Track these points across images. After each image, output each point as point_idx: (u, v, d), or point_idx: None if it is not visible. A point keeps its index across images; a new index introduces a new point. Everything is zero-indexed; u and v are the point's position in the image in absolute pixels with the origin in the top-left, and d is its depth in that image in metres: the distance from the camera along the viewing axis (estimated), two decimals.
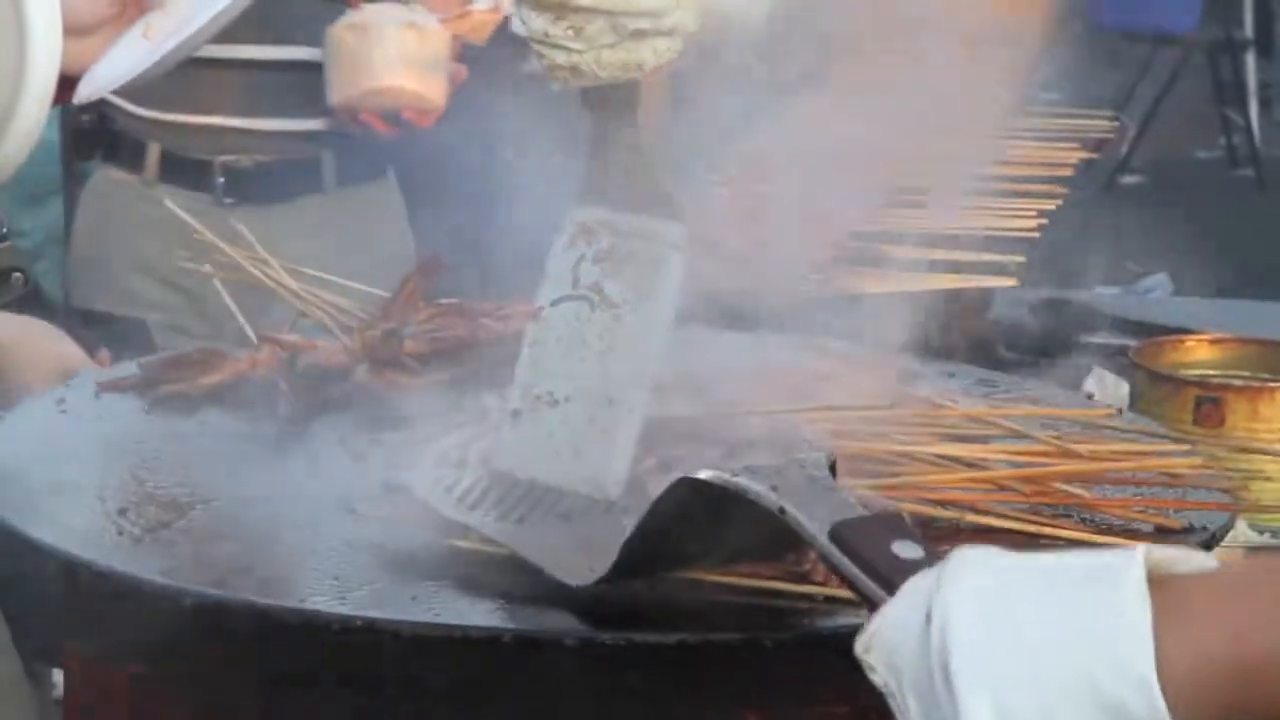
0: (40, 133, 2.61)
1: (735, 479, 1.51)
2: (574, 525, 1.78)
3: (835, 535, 1.44)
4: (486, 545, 1.75)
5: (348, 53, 3.27)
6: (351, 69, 3.29)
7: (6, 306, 2.67)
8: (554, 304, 1.88)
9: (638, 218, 1.86)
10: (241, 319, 2.35)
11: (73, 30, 2.70)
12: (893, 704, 1.34)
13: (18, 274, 2.66)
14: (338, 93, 3.33)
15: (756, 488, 1.49)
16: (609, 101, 1.85)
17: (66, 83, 2.69)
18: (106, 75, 3.11)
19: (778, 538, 1.51)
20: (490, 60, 3.42)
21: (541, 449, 1.85)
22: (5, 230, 2.61)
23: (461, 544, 1.76)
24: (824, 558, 1.45)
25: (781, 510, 1.47)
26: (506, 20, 3.45)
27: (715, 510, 1.56)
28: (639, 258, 1.86)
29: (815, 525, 1.45)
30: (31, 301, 2.72)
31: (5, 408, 2.23)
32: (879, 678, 1.35)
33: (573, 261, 1.88)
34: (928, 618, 1.30)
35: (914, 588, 1.34)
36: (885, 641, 1.34)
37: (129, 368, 2.25)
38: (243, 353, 2.24)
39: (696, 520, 1.59)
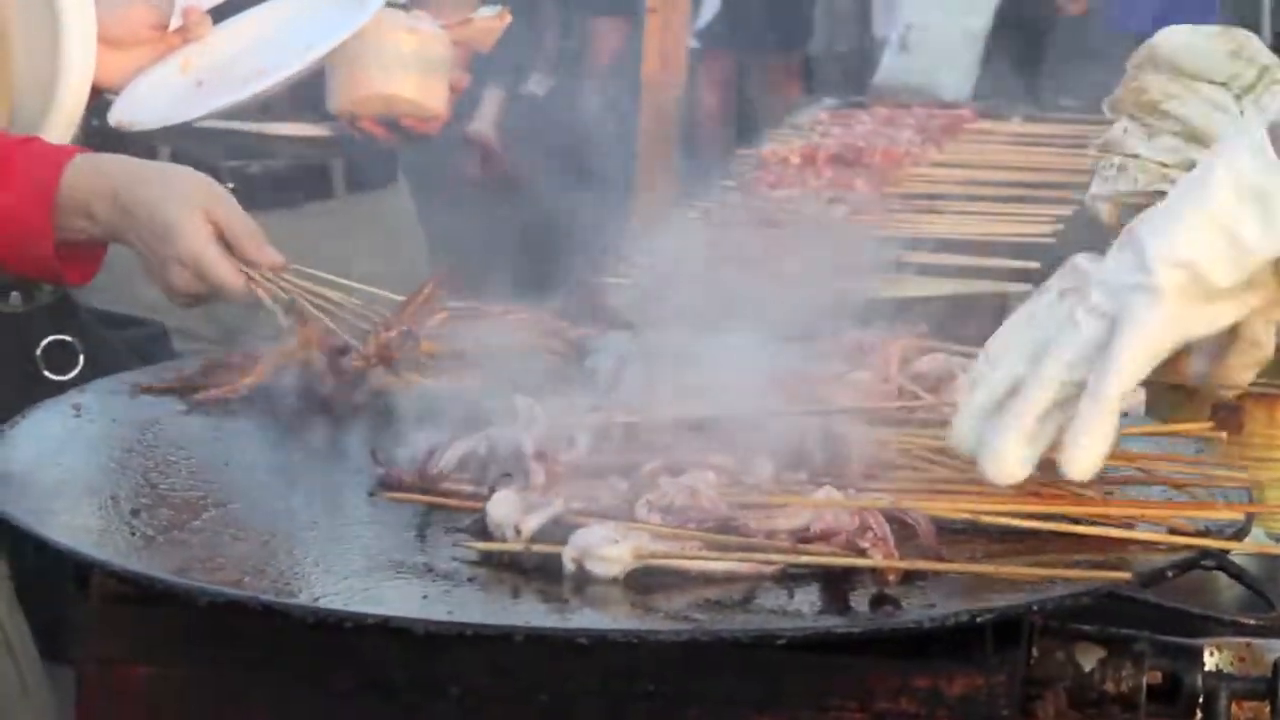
0: (72, 134, 2.64)
1: None
2: None
3: None
4: (499, 545, 1.75)
5: (347, 59, 3.26)
6: (350, 75, 3.28)
7: (40, 311, 2.68)
8: None
9: None
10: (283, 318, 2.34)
11: (105, 41, 2.73)
12: None
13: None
14: (337, 99, 3.32)
15: None
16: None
17: (95, 90, 2.72)
18: (146, 106, 3.13)
19: None
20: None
21: None
22: None
23: (475, 545, 1.76)
24: None
25: None
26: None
27: None
28: None
29: None
30: (63, 307, 2.73)
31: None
32: None
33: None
34: None
35: None
36: None
37: (165, 371, 2.27)
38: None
39: None
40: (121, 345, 2.69)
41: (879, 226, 3.34)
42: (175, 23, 3.19)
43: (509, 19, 3.49)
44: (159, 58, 3.18)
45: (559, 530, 1.74)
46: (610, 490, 1.82)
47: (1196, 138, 1.99)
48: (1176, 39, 2.03)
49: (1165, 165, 2.00)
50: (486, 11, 3.50)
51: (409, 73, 3.29)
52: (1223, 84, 2.01)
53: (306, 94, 3.34)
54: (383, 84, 3.27)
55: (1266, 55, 2.03)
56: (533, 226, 2.84)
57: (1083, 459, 1.71)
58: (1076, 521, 1.83)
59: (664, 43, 5.57)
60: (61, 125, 2.59)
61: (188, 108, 3.16)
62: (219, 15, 3.27)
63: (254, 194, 3.38)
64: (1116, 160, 2.04)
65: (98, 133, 3.41)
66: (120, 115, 3.19)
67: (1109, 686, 1.77)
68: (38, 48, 2.57)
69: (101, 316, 2.81)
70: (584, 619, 1.67)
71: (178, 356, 2.76)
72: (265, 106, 3.32)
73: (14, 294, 2.65)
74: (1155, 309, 1.69)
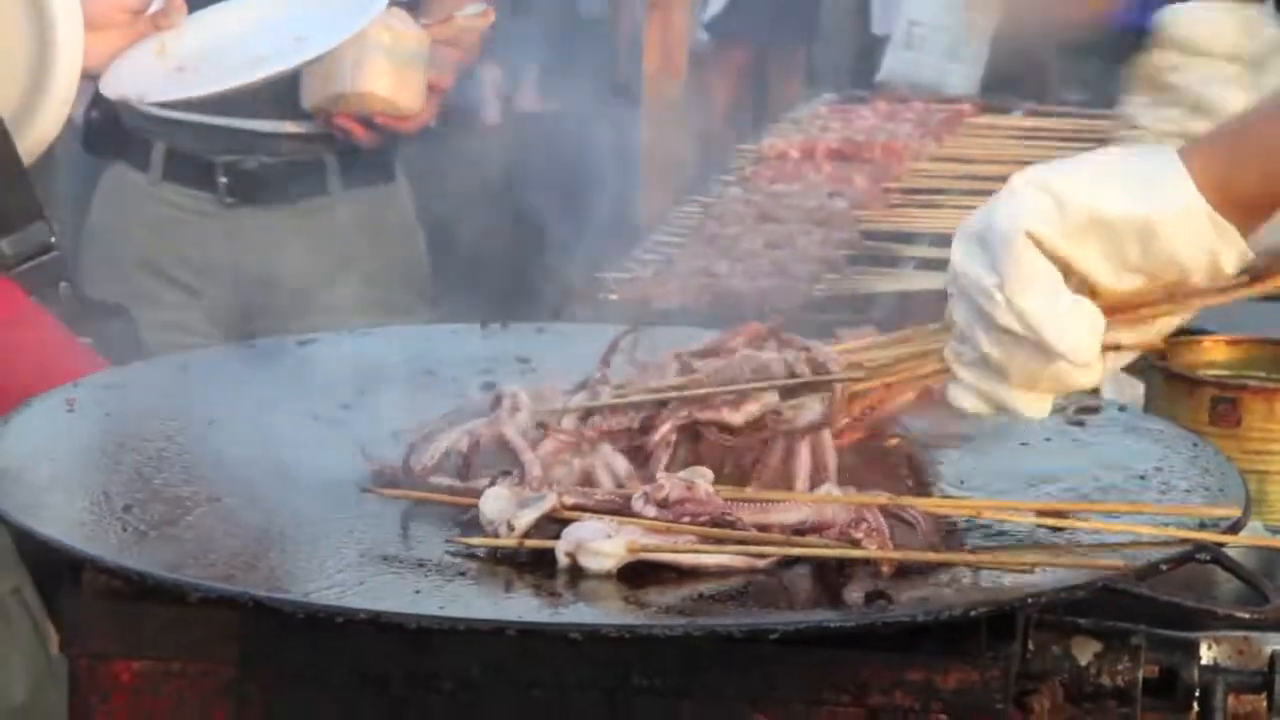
0: (63, 122, 2.65)
1: None
2: None
3: None
4: (493, 540, 1.75)
5: (322, 56, 3.25)
6: (324, 72, 3.27)
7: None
8: None
9: None
10: None
11: (86, 25, 2.74)
12: None
13: (65, 284, 2.68)
14: (311, 95, 3.31)
15: None
16: None
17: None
18: (131, 83, 3.16)
19: None
20: None
21: None
22: (54, 241, 2.63)
23: (468, 540, 1.76)
24: None
25: None
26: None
27: None
28: None
29: None
30: (77, 311, 2.73)
31: None
32: None
33: None
34: None
35: None
36: None
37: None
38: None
39: None
40: (89, 328, 2.69)
41: (878, 220, 3.34)
42: (156, 4, 3.21)
43: (492, 17, 3.47)
44: (132, 41, 3.21)
45: (552, 525, 1.74)
46: (604, 484, 1.82)
47: (1200, 108, 2.01)
48: (1185, 15, 2.06)
49: (1166, 134, 2.02)
50: (469, 10, 3.48)
51: (382, 70, 3.27)
52: (1232, 58, 2.03)
53: (295, 90, 3.34)
54: (354, 81, 3.26)
55: (1274, 29, 2.05)
56: (533, 224, 2.83)
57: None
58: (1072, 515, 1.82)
59: (665, 39, 5.56)
60: (54, 112, 2.60)
61: (177, 88, 3.17)
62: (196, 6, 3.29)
63: (248, 189, 3.38)
64: (1122, 133, 2.08)
65: (99, 121, 3.42)
66: (116, 88, 3.21)
67: (1105, 680, 1.76)
68: (25, 35, 2.58)
69: (81, 299, 2.81)
70: (577, 614, 1.67)
71: (152, 352, 2.75)
72: (260, 103, 3.32)
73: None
74: (1011, 198, 1.75)
